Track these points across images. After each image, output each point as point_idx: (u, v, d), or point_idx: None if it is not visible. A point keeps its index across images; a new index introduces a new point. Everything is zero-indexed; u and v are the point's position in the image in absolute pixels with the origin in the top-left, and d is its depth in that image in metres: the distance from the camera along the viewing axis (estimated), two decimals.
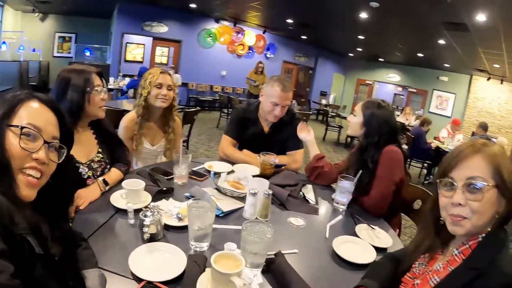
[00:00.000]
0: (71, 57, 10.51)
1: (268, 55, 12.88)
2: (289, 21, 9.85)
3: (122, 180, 1.68)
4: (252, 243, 1.04)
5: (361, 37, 10.28)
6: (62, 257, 0.89)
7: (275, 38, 12.90)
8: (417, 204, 2.10)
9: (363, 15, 7.34)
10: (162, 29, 10.16)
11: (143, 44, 10.80)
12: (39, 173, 0.86)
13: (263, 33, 12.32)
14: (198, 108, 5.47)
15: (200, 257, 1.07)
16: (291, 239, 1.39)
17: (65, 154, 0.94)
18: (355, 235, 1.47)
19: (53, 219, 0.93)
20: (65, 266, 0.91)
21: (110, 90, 6.97)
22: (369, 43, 11.23)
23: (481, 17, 5.81)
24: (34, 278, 0.75)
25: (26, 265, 0.75)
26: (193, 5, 9.35)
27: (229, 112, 8.62)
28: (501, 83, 11.94)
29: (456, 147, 0.98)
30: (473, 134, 10.13)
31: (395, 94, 16.07)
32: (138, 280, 0.98)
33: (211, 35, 11.13)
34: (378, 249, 1.36)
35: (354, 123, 1.94)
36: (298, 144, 2.42)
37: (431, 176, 6.69)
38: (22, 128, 0.84)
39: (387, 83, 15.95)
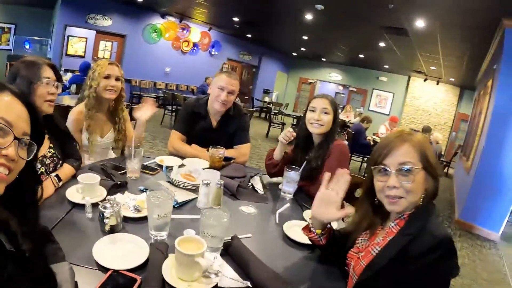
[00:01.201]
0: (10, 50, 9.69)
1: (212, 53, 12.91)
2: (235, 19, 9.94)
3: (74, 175, 1.68)
4: (211, 227, 1.12)
5: (305, 37, 10.64)
6: (32, 253, 0.86)
7: (220, 35, 12.94)
8: (358, 193, 2.29)
9: (308, 16, 7.60)
10: (106, 22, 9.74)
11: (86, 38, 10.25)
12: (7, 170, 0.83)
13: (209, 30, 12.30)
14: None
15: (162, 245, 1.13)
16: (244, 225, 1.48)
17: (34, 152, 0.90)
18: (303, 219, 1.62)
19: (22, 215, 0.89)
20: (36, 262, 0.88)
21: None
22: (312, 43, 11.64)
23: (420, 23, 6.27)
24: (5, 276, 0.73)
25: None
26: None
27: (173, 110, 8.54)
28: (437, 84, 13.11)
29: (385, 137, 1.16)
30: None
31: (336, 92, 16.84)
32: (104, 270, 1.01)
33: (156, 30, 10.91)
34: None
35: (328, 121, 2.04)
36: (244, 138, 2.54)
37: None
38: None
39: (329, 82, 16.66)
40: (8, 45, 9.99)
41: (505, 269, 4.04)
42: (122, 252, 1.11)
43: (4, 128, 0.81)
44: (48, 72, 1.65)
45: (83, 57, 10.20)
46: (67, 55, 9.85)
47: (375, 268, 1.03)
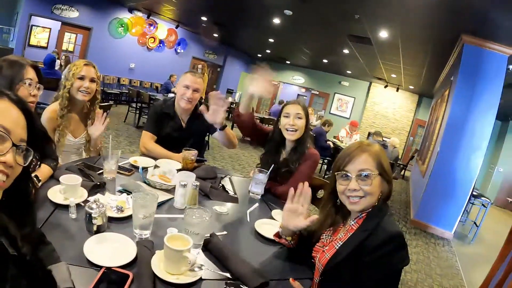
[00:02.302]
0: None
1: (178, 50, 12.86)
2: (203, 18, 9.97)
3: (52, 176, 1.73)
4: (194, 225, 1.25)
5: (271, 40, 10.85)
6: (32, 256, 0.88)
7: (186, 33, 12.91)
8: (319, 195, 2.49)
9: (276, 20, 7.77)
10: (72, 13, 9.45)
11: (50, 28, 9.81)
12: (5, 176, 0.84)
13: (176, 27, 12.25)
14: (110, 102, 5.35)
15: (148, 242, 1.23)
16: (219, 224, 1.61)
17: (31, 158, 0.91)
18: (272, 218, 1.79)
19: (20, 219, 0.91)
20: (36, 264, 0.91)
21: None
22: (278, 46, 11.88)
23: (383, 34, 6.59)
24: (6, 280, 0.75)
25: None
26: None
27: (138, 107, 8.45)
28: (397, 91, 13.75)
29: (347, 147, 1.35)
30: (369, 134, 11.43)
31: (298, 94, 17.20)
32: (97, 267, 1.08)
33: (123, 25, 10.72)
34: None
35: (302, 126, 2.18)
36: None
37: (330, 171, 7.47)
38: None
39: (292, 84, 17.02)
40: None
41: (457, 265, 4.43)
42: (111, 250, 1.18)
43: (2, 135, 0.82)
44: (30, 74, 1.70)
45: (45, 48, 9.75)
46: (29, 45, 9.41)
47: (338, 260, 1.20)
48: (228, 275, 1.18)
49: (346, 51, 9.33)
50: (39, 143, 0.98)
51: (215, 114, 2.18)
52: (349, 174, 1.26)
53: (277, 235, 1.46)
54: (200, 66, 9.42)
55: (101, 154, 2.39)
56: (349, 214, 1.34)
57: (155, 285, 1.05)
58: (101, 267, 1.08)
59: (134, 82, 11.71)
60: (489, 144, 5.43)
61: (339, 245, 1.25)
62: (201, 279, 1.13)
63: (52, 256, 1.03)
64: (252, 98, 2.16)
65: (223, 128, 2.34)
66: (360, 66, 11.22)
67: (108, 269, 1.07)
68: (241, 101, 2.29)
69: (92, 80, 2.18)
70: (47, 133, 1.90)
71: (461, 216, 5.70)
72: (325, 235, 1.39)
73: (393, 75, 11.34)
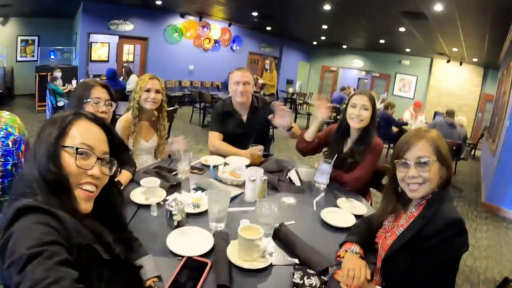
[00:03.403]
0: (36, 61, 10.12)
1: (234, 48, 13.09)
2: (254, 13, 10.06)
3: (132, 179, 1.93)
4: (264, 216, 1.36)
5: (324, 26, 10.63)
6: (125, 255, 1.00)
7: (240, 30, 13.10)
8: (385, 180, 2.48)
9: (326, 7, 7.60)
10: (128, 27, 10.05)
11: (108, 43, 10.61)
12: (94, 187, 0.95)
13: (229, 26, 12.48)
14: (176, 106, 5.66)
15: (223, 233, 1.36)
16: (287, 214, 1.69)
17: (115, 167, 1.03)
18: (337, 206, 1.84)
19: (111, 224, 1.03)
20: (128, 264, 1.03)
21: None
22: (332, 32, 11.58)
23: (438, 7, 6.20)
24: (102, 281, 0.86)
25: (94, 269, 0.85)
26: (158, 2, 9.38)
27: (201, 107, 8.76)
28: (460, 65, 12.73)
29: (405, 135, 1.36)
30: (435, 114, 10.78)
31: (359, 78, 16.69)
32: (179, 257, 1.22)
33: (177, 30, 11.14)
34: (357, 216, 1.73)
35: (367, 116, 2.21)
36: None
37: None
38: (77, 148, 0.91)
39: (352, 69, 16.50)
40: (33, 56, 10.32)
41: None
42: (191, 242, 1.32)
43: (87, 151, 0.94)
44: (98, 93, 1.90)
45: (107, 61, 10.57)
46: (91, 61, 10.20)
47: (398, 246, 1.24)
48: (296, 260, 1.27)
49: (402, 29, 8.88)
50: (119, 152, 1.09)
51: (281, 118, 2.46)
52: (407, 162, 1.27)
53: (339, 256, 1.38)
54: (268, 61, 9.47)
55: (172, 156, 2.60)
56: (410, 201, 1.35)
57: (230, 271, 1.16)
58: (183, 256, 1.22)
59: (195, 83, 12.12)
60: None
61: (400, 232, 1.28)
62: (271, 265, 1.24)
63: (140, 250, 1.15)
64: (319, 125, 2.35)
65: (289, 129, 2.50)
66: (418, 42, 10.61)
67: (189, 258, 1.21)
68: (309, 129, 2.40)
69: (157, 92, 2.41)
70: (124, 143, 2.11)
71: None
72: (387, 221, 1.42)
73: (454, 49, 10.56)
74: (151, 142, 2.52)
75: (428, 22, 7.38)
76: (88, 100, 1.86)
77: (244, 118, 2.75)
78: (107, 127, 1.04)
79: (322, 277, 1.19)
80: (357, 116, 2.19)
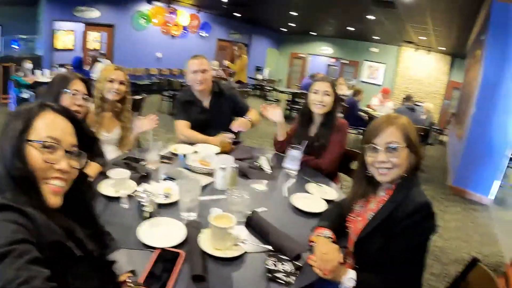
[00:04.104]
0: None
1: (202, 35, 12.90)
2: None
3: (101, 172, 1.87)
4: (236, 204, 1.37)
5: (293, 13, 10.65)
6: (98, 252, 0.97)
7: (209, 17, 12.91)
8: (353, 165, 2.54)
9: None
10: (94, 14, 9.62)
11: (73, 31, 10.09)
12: (63, 182, 0.91)
13: (197, 12, 12.26)
14: (143, 95, 5.55)
15: (195, 223, 1.36)
16: (258, 201, 1.71)
17: (85, 160, 0.98)
18: (308, 192, 1.87)
19: (83, 220, 0.99)
20: (102, 260, 1.01)
21: (45, 83, 6.63)
22: (301, 19, 11.65)
23: None
24: (77, 277, 0.83)
25: (68, 267, 0.82)
26: None
27: (170, 95, 8.63)
28: (428, 53, 13.16)
29: (375, 120, 1.39)
30: (404, 101, 11.13)
31: (328, 65, 16.82)
32: (152, 249, 1.21)
33: (144, 16, 10.81)
34: (327, 201, 1.77)
35: (329, 102, 2.30)
36: (245, 105, 2.84)
37: None
38: (42, 142, 0.87)
39: (321, 56, 16.66)
40: None
41: (497, 231, 4.30)
42: (163, 233, 1.31)
43: (53, 145, 0.88)
44: (76, 86, 1.87)
45: (72, 50, 10.03)
46: (56, 49, 9.67)
47: (369, 230, 1.28)
48: (269, 247, 1.29)
49: (371, 17, 9.04)
50: (88, 144, 1.04)
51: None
52: (377, 147, 1.30)
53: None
54: (236, 48, 9.35)
55: (142, 147, 2.55)
56: (380, 185, 1.39)
57: (204, 261, 1.17)
58: (156, 248, 1.20)
59: (163, 71, 11.89)
60: None
61: (370, 216, 1.32)
62: (245, 253, 1.25)
63: (112, 245, 1.11)
64: (282, 125, 2.47)
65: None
66: (387, 30, 10.84)
67: (163, 249, 1.20)
68: (277, 132, 2.53)
69: (121, 83, 2.37)
70: (93, 134, 2.06)
71: (499, 180, 5.43)
72: (358, 205, 1.46)
73: (423, 37, 10.86)
74: (113, 134, 2.46)
75: (397, 10, 7.51)
76: (66, 91, 1.82)
77: (206, 104, 2.77)
78: (74, 118, 0.99)
79: (296, 262, 1.21)
80: (320, 102, 2.27)
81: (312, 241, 1.34)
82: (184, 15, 11.88)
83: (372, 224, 1.29)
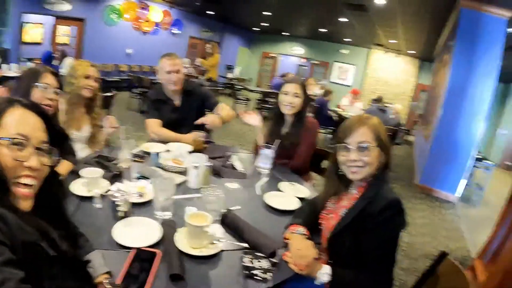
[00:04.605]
0: None
1: (174, 31, 12.74)
2: None
3: (72, 170, 1.83)
4: (211, 202, 1.39)
5: (267, 12, 10.70)
6: (72, 253, 0.94)
7: (181, 14, 12.76)
8: (323, 165, 2.61)
9: None
10: (64, 7, 9.20)
11: (42, 24, 9.58)
12: (34, 180, 0.88)
13: (170, 9, 12.09)
14: (114, 92, 5.44)
15: (170, 222, 1.37)
16: (232, 199, 1.73)
17: (56, 156, 0.95)
18: (280, 190, 1.92)
19: (55, 220, 0.96)
20: (75, 260, 0.98)
21: (12, 78, 6.36)
22: (274, 18, 11.71)
23: (380, 0, 6.51)
24: (52, 278, 0.81)
25: (43, 268, 0.80)
26: None
27: (140, 92, 8.47)
28: (397, 56, 13.68)
29: (347, 120, 1.45)
30: (373, 102, 11.49)
31: (299, 65, 17.03)
32: (128, 249, 1.19)
33: (116, 11, 10.50)
34: (300, 199, 1.83)
35: (299, 103, 2.36)
36: (215, 101, 2.83)
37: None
38: (11, 139, 0.84)
39: (292, 56, 16.90)
40: None
41: (462, 228, 4.54)
42: (139, 232, 1.30)
43: (22, 142, 0.85)
44: (47, 79, 1.82)
45: (40, 44, 9.57)
46: (24, 43, 9.26)
47: (342, 226, 1.33)
48: (245, 245, 1.32)
49: (343, 19, 9.22)
50: (59, 141, 1.00)
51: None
52: (349, 146, 1.35)
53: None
54: (209, 46, 9.28)
55: (111, 146, 2.53)
56: (351, 183, 1.45)
57: (181, 259, 1.17)
58: (131, 248, 1.19)
59: (133, 68, 11.62)
60: (492, 107, 5.45)
61: (343, 213, 1.37)
62: (221, 251, 1.27)
63: (86, 246, 1.10)
64: (261, 129, 2.50)
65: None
66: (358, 33, 11.11)
67: (138, 249, 1.19)
68: (257, 137, 2.53)
69: (95, 80, 2.36)
70: (64, 130, 2.01)
71: (465, 179, 5.75)
72: (330, 203, 1.51)
73: (393, 41, 11.20)
74: (83, 132, 2.42)
75: (369, 14, 7.70)
76: (37, 84, 1.78)
77: (177, 103, 2.76)
78: (44, 113, 0.96)
79: (271, 259, 1.25)
80: (289, 103, 2.34)
81: (287, 239, 1.37)
82: (156, 11, 11.68)
83: (345, 220, 1.34)
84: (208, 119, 2.58)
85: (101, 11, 10.19)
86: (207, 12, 12.69)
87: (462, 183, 5.55)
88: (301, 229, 1.40)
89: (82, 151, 2.38)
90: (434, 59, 11.12)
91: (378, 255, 1.27)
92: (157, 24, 11.91)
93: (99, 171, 1.71)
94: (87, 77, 2.29)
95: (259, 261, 1.22)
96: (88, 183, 1.64)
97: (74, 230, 1.11)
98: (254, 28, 15.90)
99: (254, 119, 2.49)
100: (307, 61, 16.67)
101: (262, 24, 13.84)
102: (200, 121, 2.55)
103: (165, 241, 1.25)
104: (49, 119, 0.96)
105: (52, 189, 0.98)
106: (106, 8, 10.26)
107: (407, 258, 3.39)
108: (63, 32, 10.05)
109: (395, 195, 1.28)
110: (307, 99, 2.44)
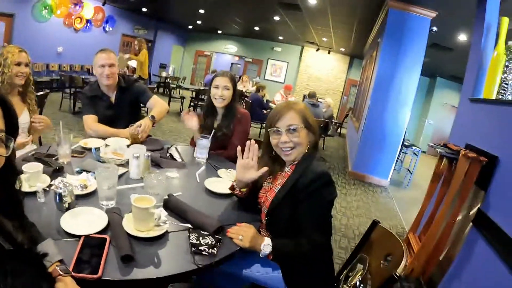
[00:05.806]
0: None
1: (106, 29, 12.32)
2: None
3: None
4: (154, 186, 1.49)
5: (201, 11, 10.76)
6: (28, 244, 0.91)
7: (114, 10, 12.37)
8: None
9: None
10: None
11: None
12: None
13: (103, 5, 11.67)
14: (46, 91, 5.19)
15: (115, 209, 1.43)
16: (173, 187, 1.86)
17: (12, 146, 0.89)
18: (219, 176, 2.07)
19: (9, 210, 0.93)
20: (33, 251, 0.94)
21: None
22: (209, 17, 11.81)
23: (312, 0, 6.85)
24: (6, 274, 0.76)
25: None
26: None
27: (72, 92, 8.11)
28: (329, 53, 14.53)
29: (276, 106, 1.65)
30: (304, 97, 11.99)
31: (232, 63, 17.33)
32: (77, 237, 1.21)
33: (47, 7, 9.83)
34: None
35: (229, 95, 2.51)
36: (149, 94, 2.88)
37: None
38: None
39: (225, 54, 17.19)
40: None
41: (395, 208, 5.05)
42: (85, 221, 1.33)
43: None
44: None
45: None
46: None
47: (278, 201, 1.52)
48: (189, 225, 1.44)
49: (277, 18, 9.54)
50: (17, 129, 0.96)
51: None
52: (280, 129, 1.54)
53: (232, 188, 1.73)
54: (135, 42, 9.04)
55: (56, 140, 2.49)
56: (285, 163, 1.63)
57: (130, 242, 1.23)
58: (80, 236, 1.22)
59: (64, 67, 11.04)
60: (419, 99, 6.03)
61: (278, 189, 1.55)
62: (167, 232, 1.37)
63: (38, 236, 1.08)
64: (195, 131, 2.57)
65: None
66: (291, 31, 11.52)
67: (87, 236, 1.22)
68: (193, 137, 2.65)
69: (26, 65, 2.35)
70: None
71: (395, 164, 6.37)
72: (266, 182, 1.70)
73: (324, 39, 11.78)
74: (22, 120, 2.40)
75: (301, 13, 8.05)
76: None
77: (113, 99, 2.79)
78: (4, 100, 0.90)
79: (216, 235, 1.37)
80: (220, 96, 2.49)
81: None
82: (89, 7, 11.16)
83: (279, 195, 1.52)
84: (142, 126, 2.54)
85: (31, 6, 9.52)
86: (141, 9, 12.43)
87: (392, 168, 6.10)
88: None
89: (25, 138, 2.35)
90: (364, 56, 11.87)
91: (313, 223, 1.44)
92: (89, 21, 11.42)
93: (39, 165, 1.70)
94: (18, 64, 2.29)
95: (204, 239, 1.32)
96: (29, 178, 1.62)
97: (26, 220, 1.10)
98: (188, 26, 15.88)
99: (192, 122, 2.57)
100: (241, 58, 17.00)
101: (196, 22, 13.86)
102: (134, 130, 2.51)
103: (113, 227, 1.30)
104: (7, 106, 0.91)
105: (7, 179, 0.95)
106: (37, 3, 9.60)
107: (345, 238, 3.70)
108: None
109: (324, 168, 1.47)
110: (237, 91, 2.60)
